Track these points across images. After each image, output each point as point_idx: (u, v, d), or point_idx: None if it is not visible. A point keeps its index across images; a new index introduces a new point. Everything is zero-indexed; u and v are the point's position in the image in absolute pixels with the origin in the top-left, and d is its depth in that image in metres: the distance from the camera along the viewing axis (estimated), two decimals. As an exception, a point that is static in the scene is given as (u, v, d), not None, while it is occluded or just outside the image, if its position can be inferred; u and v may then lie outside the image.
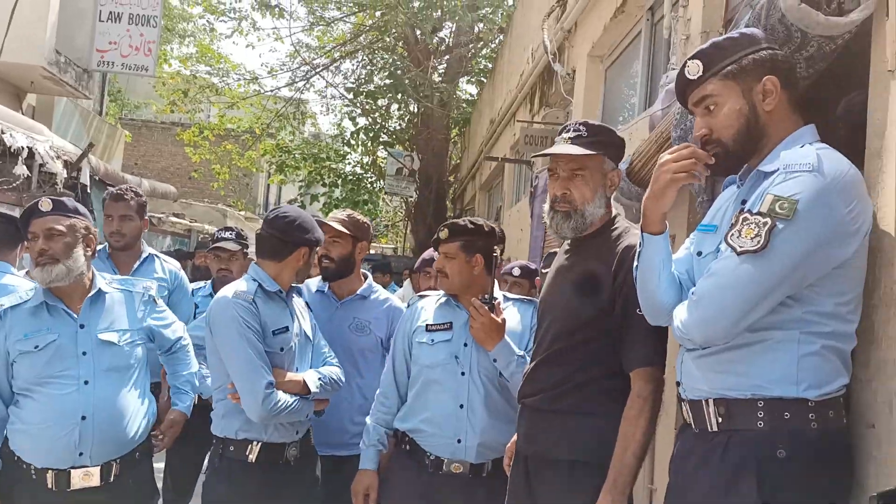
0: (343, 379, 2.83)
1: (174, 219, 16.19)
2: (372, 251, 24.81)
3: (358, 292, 3.17)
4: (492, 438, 2.60)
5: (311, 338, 2.80)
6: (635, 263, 1.99)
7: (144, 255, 3.67)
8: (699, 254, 1.95)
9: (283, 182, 18.33)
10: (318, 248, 2.82)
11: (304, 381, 2.66)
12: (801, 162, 1.67)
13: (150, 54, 10.52)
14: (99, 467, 2.56)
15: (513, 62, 8.44)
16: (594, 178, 2.27)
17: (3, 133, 5.73)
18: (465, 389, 2.64)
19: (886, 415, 1.69)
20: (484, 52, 14.57)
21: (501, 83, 9.44)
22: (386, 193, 16.64)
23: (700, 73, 1.84)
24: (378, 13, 12.67)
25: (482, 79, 13.94)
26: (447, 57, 14.35)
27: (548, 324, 2.33)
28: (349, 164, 16.78)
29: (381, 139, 15.16)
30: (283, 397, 2.57)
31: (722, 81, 1.82)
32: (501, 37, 11.51)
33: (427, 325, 2.75)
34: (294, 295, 2.83)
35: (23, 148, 5.99)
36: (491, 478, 2.60)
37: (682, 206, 2.93)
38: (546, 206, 2.37)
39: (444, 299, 2.80)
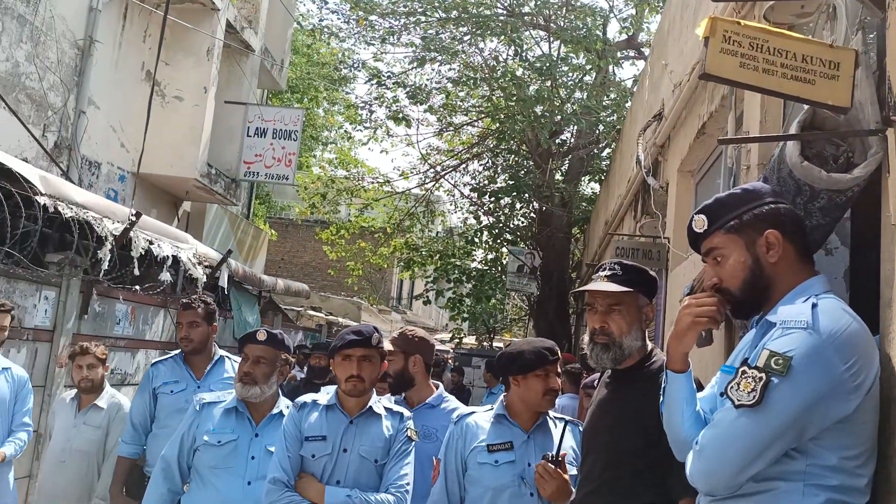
0: None
1: (312, 312, 17.18)
2: (500, 344, 24.98)
3: (427, 401, 3.36)
4: None
5: (375, 460, 2.89)
6: (661, 399, 2.07)
7: (216, 358, 4.06)
8: (721, 394, 2.01)
9: (412, 277, 19.02)
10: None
11: (322, 491, 2.78)
12: (796, 318, 1.73)
13: (290, 165, 11.54)
14: None
15: (623, 167, 8.59)
16: (630, 312, 2.40)
17: (151, 244, 6.50)
18: None
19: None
20: (605, 152, 14.79)
21: (614, 186, 9.58)
22: (507, 290, 16.86)
23: (705, 228, 1.95)
24: (498, 122, 13.25)
25: (602, 178, 14.11)
26: (569, 157, 14.67)
27: (595, 455, 2.42)
28: (474, 260, 17.23)
29: (503, 237, 15.53)
30: (287, 498, 2.75)
31: (726, 235, 1.92)
32: (617, 140, 11.71)
33: (488, 445, 2.82)
34: (387, 417, 2.97)
35: (168, 257, 6.75)
36: None
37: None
38: (586, 338, 2.50)
39: (493, 418, 2.87)
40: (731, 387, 1.77)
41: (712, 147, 4.44)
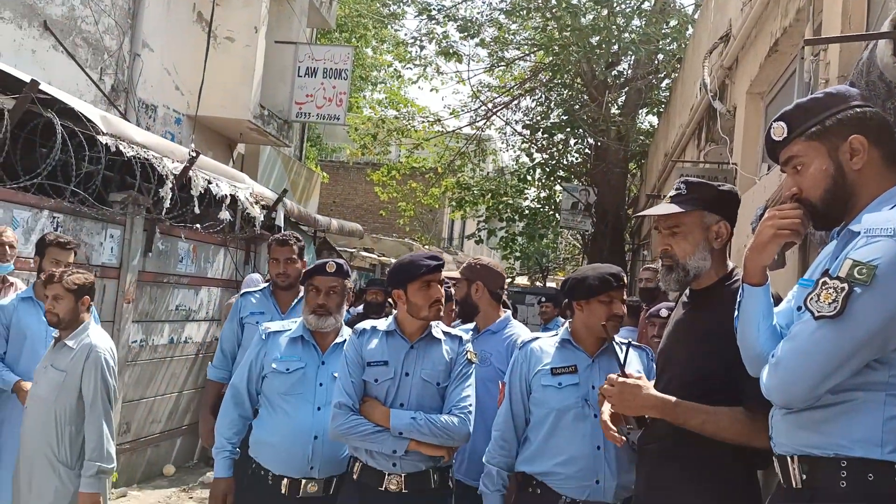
0: (457, 430, 2.83)
1: (364, 253, 17.37)
2: (553, 284, 24.97)
3: (490, 327, 3.40)
4: (627, 479, 2.66)
5: (437, 383, 2.90)
6: (736, 313, 2.01)
7: (301, 294, 4.13)
8: (799, 308, 1.93)
9: (463, 217, 18.98)
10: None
11: (387, 414, 2.80)
12: (882, 226, 1.64)
13: (341, 105, 11.48)
14: (324, 480, 3.05)
15: (685, 95, 8.30)
16: (693, 233, 2.31)
17: (210, 183, 6.59)
18: (601, 431, 2.67)
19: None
20: (665, 82, 14.30)
21: (675, 116, 9.28)
22: (561, 228, 16.70)
23: (785, 135, 1.85)
24: (552, 55, 12.87)
25: (661, 109, 13.69)
26: (626, 89, 14.24)
27: (670, 376, 2.38)
28: (527, 199, 17.06)
29: (557, 174, 15.28)
30: (353, 422, 2.80)
31: (807, 142, 1.82)
32: (678, 69, 11.29)
33: (552, 368, 2.83)
34: (446, 341, 2.97)
35: (226, 196, 6.84)
36: None
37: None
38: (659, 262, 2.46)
39: (558, 343, 2.88)
40: (811, 298, 1.69)
41: (785, 65, 4.22)
